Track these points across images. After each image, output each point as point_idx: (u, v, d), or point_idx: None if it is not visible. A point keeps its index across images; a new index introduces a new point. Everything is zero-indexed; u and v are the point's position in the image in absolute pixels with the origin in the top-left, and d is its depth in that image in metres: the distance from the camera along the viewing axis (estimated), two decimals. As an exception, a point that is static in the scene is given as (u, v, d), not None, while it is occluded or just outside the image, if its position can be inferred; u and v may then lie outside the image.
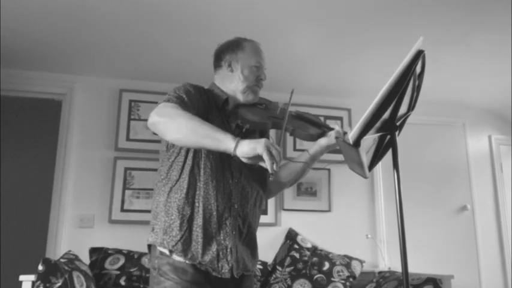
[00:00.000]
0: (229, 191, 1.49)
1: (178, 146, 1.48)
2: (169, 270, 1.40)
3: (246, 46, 1.63)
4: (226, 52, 1.64)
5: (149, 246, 1.50)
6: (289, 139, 3.71)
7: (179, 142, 1.38)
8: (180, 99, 1.42)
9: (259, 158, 1.22)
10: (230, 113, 1.59)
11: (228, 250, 1.45)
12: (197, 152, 1.47)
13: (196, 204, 1.44)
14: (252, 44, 1.66)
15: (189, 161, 1.47)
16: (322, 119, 3.43)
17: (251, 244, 1.57)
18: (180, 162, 1.48)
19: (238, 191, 1.52)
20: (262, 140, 1.21)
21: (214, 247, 1.43)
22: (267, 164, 1.20)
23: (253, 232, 1.59)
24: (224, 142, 1.25)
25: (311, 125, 1.62)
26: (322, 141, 1.61)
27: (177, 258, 1.41)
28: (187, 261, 1.40)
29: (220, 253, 1.44)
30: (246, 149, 1.22)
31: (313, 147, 1.63)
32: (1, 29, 2.74)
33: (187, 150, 1.48)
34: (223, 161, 1.50)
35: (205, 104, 1.52)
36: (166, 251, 1.42)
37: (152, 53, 3.14)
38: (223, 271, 1.43)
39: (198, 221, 1.43)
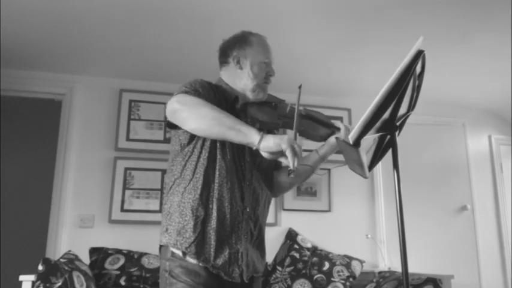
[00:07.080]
0: (241, 194, 1.47)
1: (192, 145, 1.45)
2: (182, 273, 1.38)
3: (253, 41, 1.58)
4: (233, 48, 1.59)
5: (161, 247, 1.47)
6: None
7: (200, 131, 1.35)
8: (197, 93, 1.40)
9: (281, 153, 1.24)
10: (239, 111, 1.53)
11: (239, 254, 1.44)
12: (212, 152, 1.44)
13: (210, 206, 1.42)
14: (259, 39, 1.61)
15: (203, 161, 1.43)
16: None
17: (261, 246, 1.57)
18: (193, 162, 1.44)
19: (250, 193, 1.50)
20: (286, 136, 1.24)
21: (226, 251, 1.41)
22: (289, 160, 1.23)
23: (263, 234, 1.58)
24: (249, 135, 1.26)
25: (320, 125, 1.58)
26: (332, 141, 1.58)
27: (191, 260, 1.39)
28: (200, 264, 1.38)
29: (232, 257, 1.42)
30: (270, 143, 1.24)
31: (323, 147, 1.61)
32: (1, 29, 2.74)
33: (201, 150, 1.44)
34: (235, 163, 1.48)
35: (217, 101, 1.46)
36: (180, 253, 1.40)
37: (152, 53, 3.14)
38: (234, 275, 1.42)
39: (212, 223, 1.41)
